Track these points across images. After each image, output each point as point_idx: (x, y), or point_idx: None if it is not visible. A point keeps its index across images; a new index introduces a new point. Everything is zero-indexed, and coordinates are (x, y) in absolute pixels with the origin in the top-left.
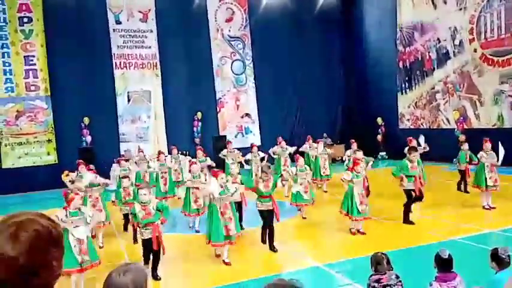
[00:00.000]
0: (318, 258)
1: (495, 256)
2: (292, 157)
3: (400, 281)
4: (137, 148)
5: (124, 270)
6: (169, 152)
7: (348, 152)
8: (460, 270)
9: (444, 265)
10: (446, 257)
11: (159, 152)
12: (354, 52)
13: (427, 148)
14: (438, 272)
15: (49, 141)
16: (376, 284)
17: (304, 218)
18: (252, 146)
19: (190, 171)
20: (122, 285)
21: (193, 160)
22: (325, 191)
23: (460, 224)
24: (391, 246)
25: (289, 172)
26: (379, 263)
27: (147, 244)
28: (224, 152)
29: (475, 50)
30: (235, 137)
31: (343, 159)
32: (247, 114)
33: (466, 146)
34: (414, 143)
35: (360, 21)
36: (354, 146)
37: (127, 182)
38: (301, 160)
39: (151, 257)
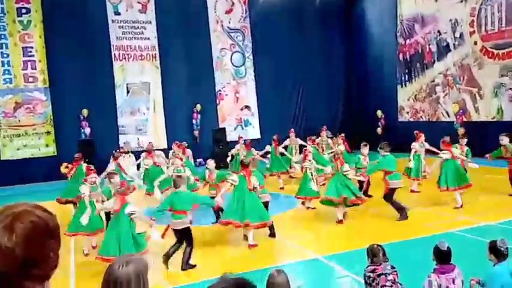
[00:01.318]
0: (316, 250)
1: (493, 248)
2: (301, 151)
3: (395, 270)
4: (146, 142)
5: (125, 261)
6: (170, 148)
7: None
8: (458, 262)
9: (443, 257)
10: (445, 249)
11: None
12: (355, 45)
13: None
14: (437, 264)
15: (48, 133)
16: (371, 274)
17: (313, 208)
18: (247, 143)
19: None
20: (124, 276)
21: (179, 155)
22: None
23: (458, 217)
24: (390, 238)
25: (309, 167)
26: (375, 255)
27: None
28: (238, 146)
29: (476, 43)
30: (235, 129)
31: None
32: (246, 107)
33: (464, 141)
34: (422, 138)
35: (361, 13)
36: (340, 140)
37: (116, 178)
38: (310, 155)
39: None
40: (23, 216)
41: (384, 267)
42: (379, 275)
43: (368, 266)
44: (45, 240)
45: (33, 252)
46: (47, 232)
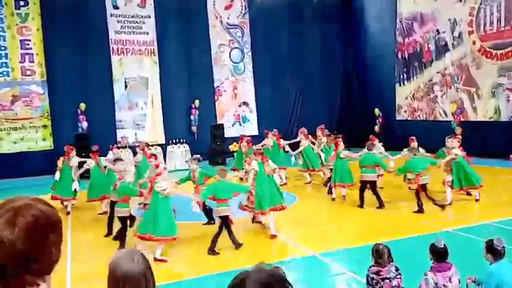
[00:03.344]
0: (313, 247)
1: (490, 248)
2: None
3: (399, 274)
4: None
5: (131, 256)
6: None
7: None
8: (454, 261)
9: (439, 255)
10: (442, 247)
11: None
12: (354, 42)
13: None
14: (433, 262)
15: (45, 126)
16: (375, 276)
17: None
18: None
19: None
20: (140, 272)
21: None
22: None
23: (454, 216)
24: (386, 236)
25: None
26: (380, 256)
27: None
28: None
29: (474, 43)
30: (233, 125)
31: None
32: (244, 103)
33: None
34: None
35: (360, 11)
36: (319, 132)
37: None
38: (341, 144)
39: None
40: (24, 209)
41: (388, 269)
42: (383, 279)
43: (372, 267)
44: (46, 234)
45: (35, 246)
46: (48, 226)
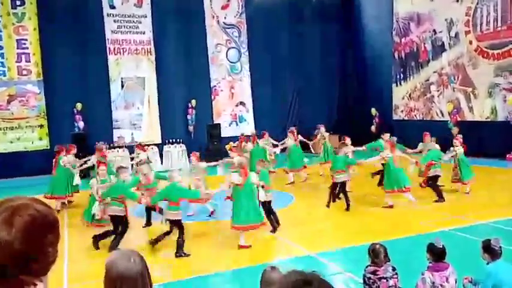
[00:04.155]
0: (310, 247)
1: (487, 247)
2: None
3: (396, 273)
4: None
5: (128, 256)
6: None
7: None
8: (450, 260)
9: (438, 255)
10: (440, 247)
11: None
12: (351, 42)
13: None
14: (431, 262)
15: (41, 126)
16: (371, 276)
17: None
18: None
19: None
20: (138, 272)
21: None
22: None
23: (450, 215)
24: (382, 236)
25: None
26: (377, 256)
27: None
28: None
29: (471, 42)
30: (229, 125)
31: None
32: (241, 103)
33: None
34: (428, 138)
35: (357, 10)
36: (290, 134)
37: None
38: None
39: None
40: (21, 209)
41: (385, 269)
42: (379, 279)
43: (368, 266)
44: (44, 234)
45: (32, 246)
46: (45, 226)
